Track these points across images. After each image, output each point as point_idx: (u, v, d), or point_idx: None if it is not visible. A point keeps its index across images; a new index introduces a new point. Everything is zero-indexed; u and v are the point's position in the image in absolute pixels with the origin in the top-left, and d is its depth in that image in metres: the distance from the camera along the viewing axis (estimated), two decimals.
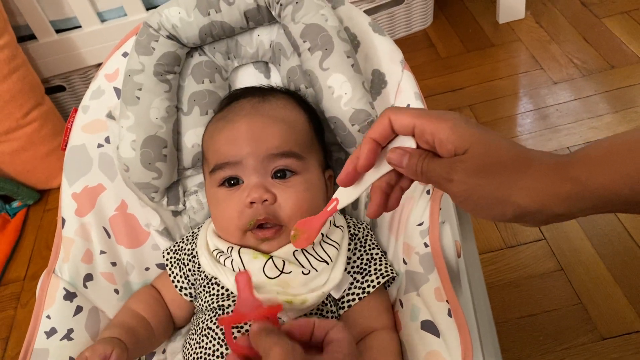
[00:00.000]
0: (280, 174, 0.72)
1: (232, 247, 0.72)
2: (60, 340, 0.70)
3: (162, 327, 0.77)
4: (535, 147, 1.30)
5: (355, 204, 0.83)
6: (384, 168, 0.51)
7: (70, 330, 0.71)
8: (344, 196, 0.55)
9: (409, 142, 0.50)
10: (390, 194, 0.53)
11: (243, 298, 0.55)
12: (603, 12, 1.73)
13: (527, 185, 0.43)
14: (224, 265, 0.72)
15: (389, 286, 0.75)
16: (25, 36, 1.53)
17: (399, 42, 0.81)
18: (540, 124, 1.43)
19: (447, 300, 0.62)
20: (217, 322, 0.69)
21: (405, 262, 0.72)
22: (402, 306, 0.70)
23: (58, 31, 1.54)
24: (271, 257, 0.70)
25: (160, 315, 0.77)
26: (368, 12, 1.67)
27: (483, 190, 0.44)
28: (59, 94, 1.68)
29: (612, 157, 0.42)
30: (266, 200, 0.70)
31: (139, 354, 0.75)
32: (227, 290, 0.72)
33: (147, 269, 0.83)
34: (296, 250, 0.70)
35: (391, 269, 0.74)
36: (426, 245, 0.68)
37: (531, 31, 1.74)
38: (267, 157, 0.70)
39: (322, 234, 0.73)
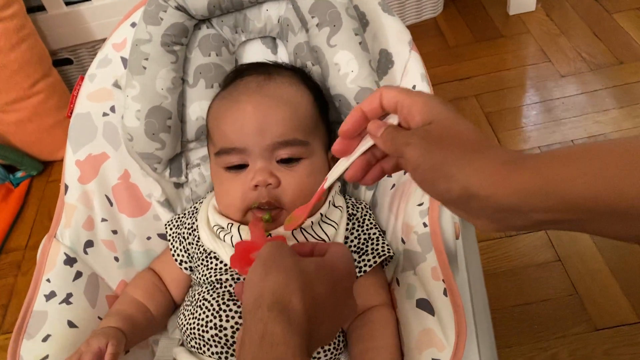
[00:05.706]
0: (285, 159, 0.72)
1: (232, 224, 0.73)
2: (59, 303, 0.71)
3: (161, 310, 0.78)
4: (539, 140, 1.33)
5: (356, 183, 0.83)
6: (368, 142, 0.52)
7: (69, 295, 0.72)
8: (331, 173, 0.56)
9: (392, 119, 0.51)
10: (371, 168, 0.54)
11: (256, 235, 0.66)
12: (614, 8, 1.72)
13: (479, 166, 0.41)
14: (224, 240, 0.73)
15: (386, 265, 0.76)
16: (34, 7, 1.53)
17: (408, 29, 0.81)
18: (545, 116, 1.42)
19: (443, 280, 0.63)
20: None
21: (403, 242, 0.72)
22: (398, 284, 0.70)
23: (67, 3, 1.54)
24: (269, 234, 0.71)
25: (159, 298, 0.78)
26: None
27: (434, 159, 0.43)
28: (66, 67, 1.68)
29: (592, 154, 0.37)
30: (270, 184, 0.70)
31: (140, 339, 0.75)
32: (225, 264, 0.73)
33: (148, 238, 0.83)
34: (295, 229, 0.71)
35: (388, 249, 0.74)
36: (425, 225, 0.68)
37: (541, 24, 1.73)
38: (272, 145, 0.71)
39: (321, 214, 0.73)
